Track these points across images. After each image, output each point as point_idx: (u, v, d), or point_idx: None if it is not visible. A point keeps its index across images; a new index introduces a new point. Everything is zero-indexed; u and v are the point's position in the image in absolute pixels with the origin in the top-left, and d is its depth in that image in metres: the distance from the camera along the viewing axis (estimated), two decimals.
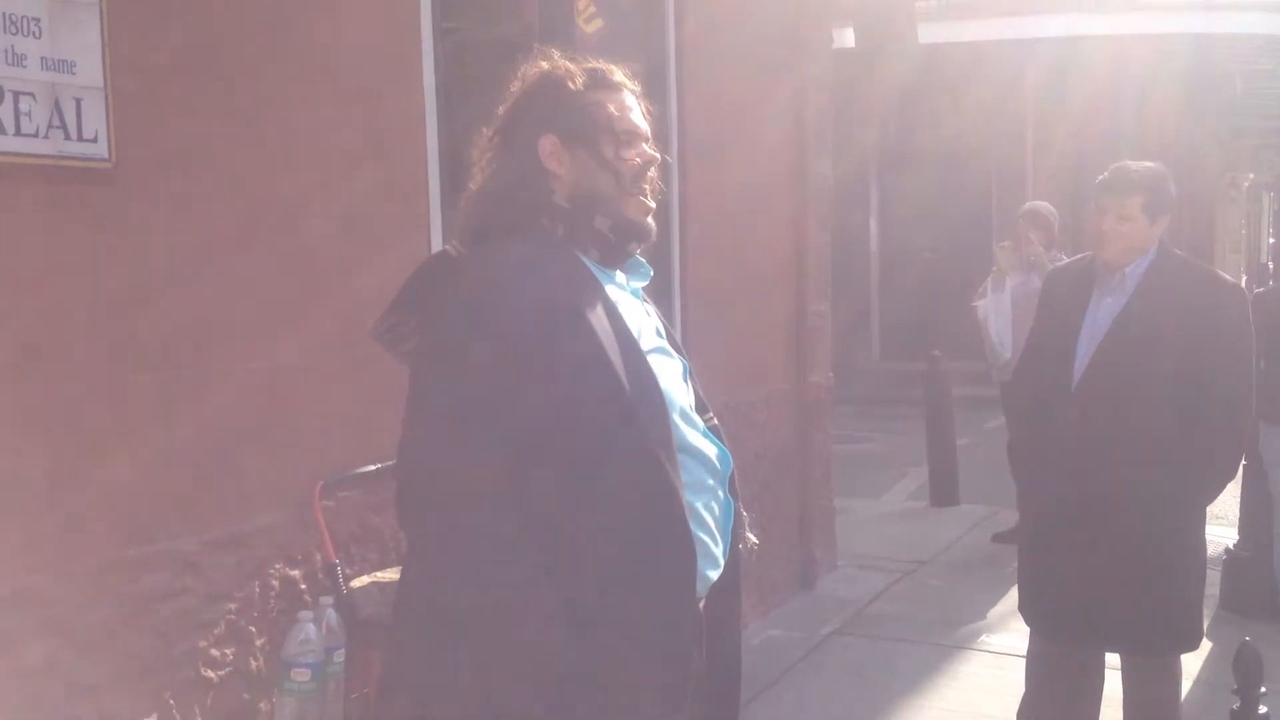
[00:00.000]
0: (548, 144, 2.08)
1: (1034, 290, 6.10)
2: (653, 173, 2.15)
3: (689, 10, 5.39)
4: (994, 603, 6.06)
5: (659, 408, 1.99)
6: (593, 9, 4.95)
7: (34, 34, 2.75)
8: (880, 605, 6.20)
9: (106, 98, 2.91)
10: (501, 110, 2.17)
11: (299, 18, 3.47)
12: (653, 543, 1.94)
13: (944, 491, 8.41)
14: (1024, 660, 3.98)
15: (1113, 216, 3.65)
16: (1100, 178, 3.75)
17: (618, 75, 2.16)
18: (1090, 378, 3.61)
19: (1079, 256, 4.06)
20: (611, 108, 2.11)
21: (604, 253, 2.11)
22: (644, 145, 2.13)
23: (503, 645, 1.87)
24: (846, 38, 8.81)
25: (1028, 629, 3.92)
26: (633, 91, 2.17)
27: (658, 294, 5.21)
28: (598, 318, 1.98)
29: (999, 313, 6.93)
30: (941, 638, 5.62)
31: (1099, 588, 3.58)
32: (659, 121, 5.52)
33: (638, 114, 2.15)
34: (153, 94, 3.05)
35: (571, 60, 2.15)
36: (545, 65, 2.15)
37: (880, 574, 6.71)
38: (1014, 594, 4.04)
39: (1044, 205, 7.25)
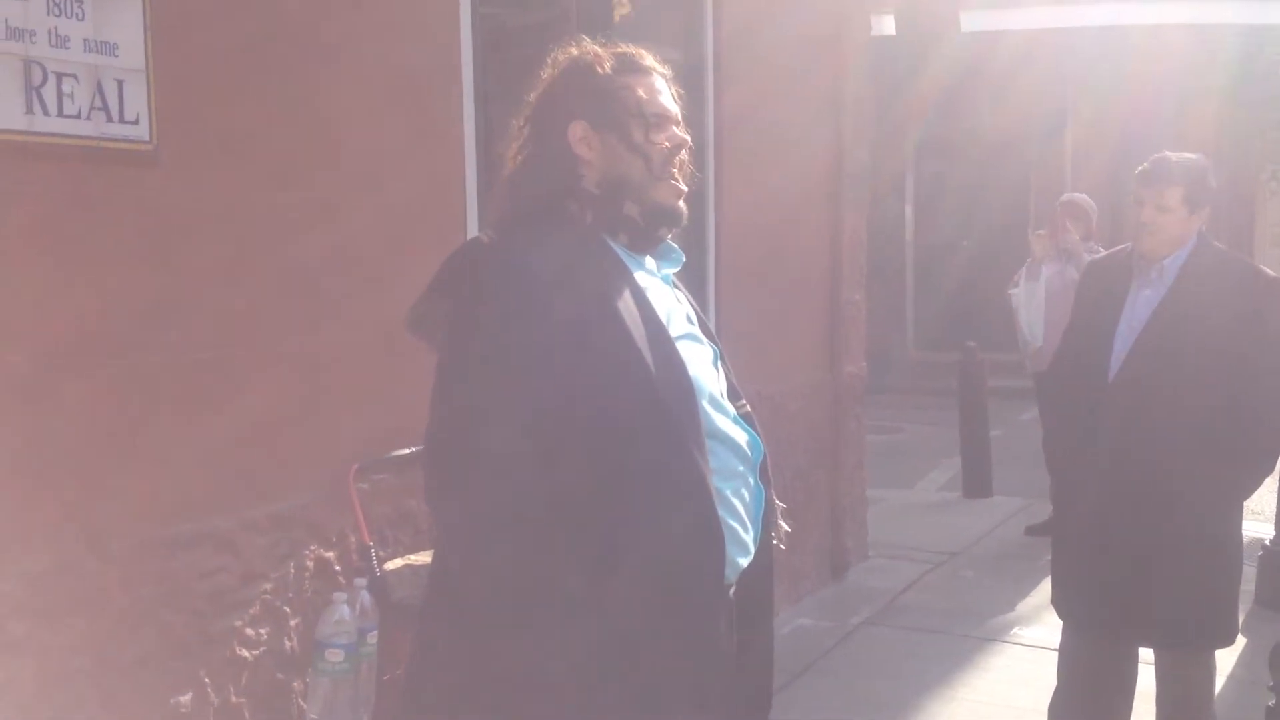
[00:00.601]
0: (577, 129, 2.08)
1: (1070, 280, 6.07)
2: (684, 156, 2.13)
3: None
4: (1026, 595, 6.04)
5: (687, 394, 1.98)
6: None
7: (77, 16, 2.77)
8: (911, 596, 6.19)
9: (148, 80, 2.93)
10: (532, 97, 2.17)
11: (340, 3, 3.49)
12: (680, 528, 1.94)
13: (977, 483, 8.38)
14: (1056, 653, 3.97)
15: (1151, 207, 3.62)
16: (1140, 168, 3.72)
17: (648, 59, 2.15)
18: (1128, 370, 3.59)
19: (1118, 248, 4.03)
20: (641, 91, 2.10)
21: (633, 238, 2.11)
22: (674, 128, 2.12)
23: (529, 632, 1.87)
24: (886, 25, 8.76)
25: (1060, 622, 3.90)
26: (663, 75, 2.16)
27: (692, 282, 5.23)
28: (625, 304, 1.97)
29: (1031, 302, 6.89)
30: (972, 629, 5.60)
31: (1133, 581, 3.55)
32: (696, 109, 5.53)
33: (668, 97, 2.14)
34: (194, 77, 3.07)
35: (601, 45, 2.15)
36: (575, 51, 2.15)
37: (912, 565, 6.70)
38: (1047, 586, 4.03)
39: (1082, 197, 7.21)
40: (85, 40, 2.80)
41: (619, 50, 2.14)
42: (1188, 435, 3.50)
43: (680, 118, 2.14)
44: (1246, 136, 14.32)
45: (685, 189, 2.15)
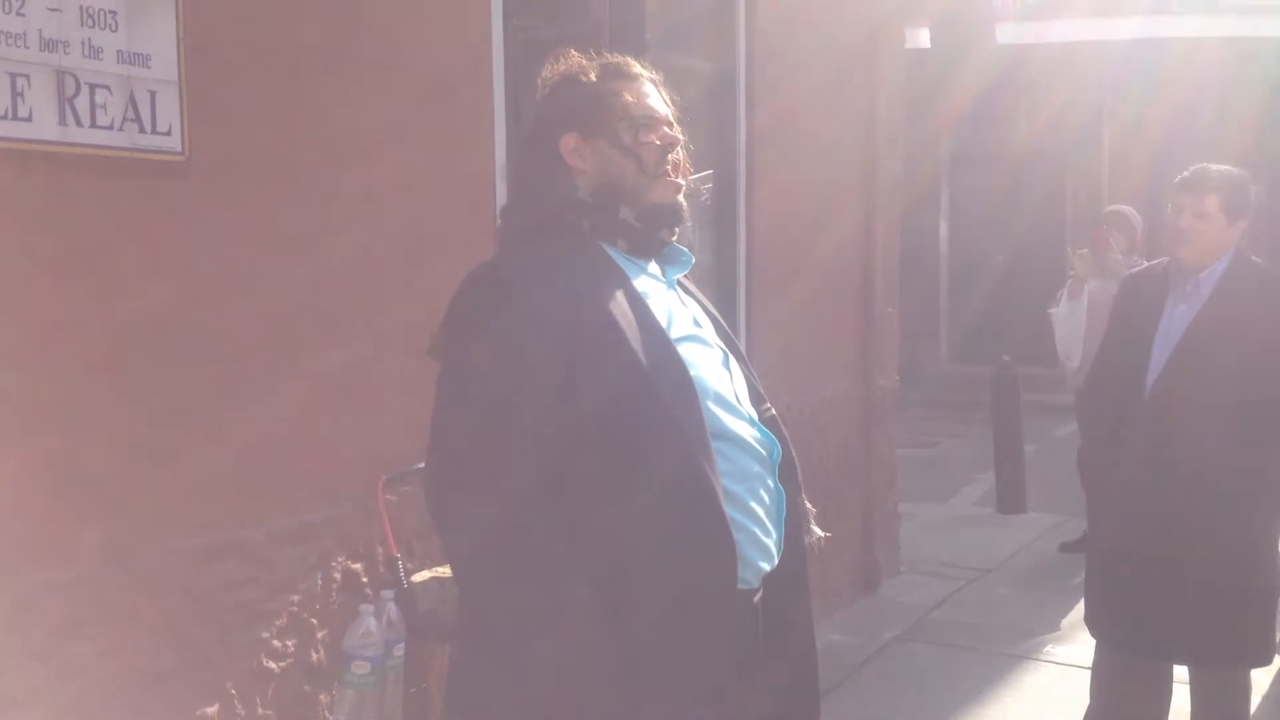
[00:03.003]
0: (569, 141, 2.10)
1: (1112, 296, 6.00)
2: (678, 155, 2.14)
3: (761, 9, 5.36)
4: (1060, 613, 5.96)
5: (688, 394, 1.97)
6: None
7: (110, 27, 2.79)
8: (944, 612, 6.13)
9: (181, 91, 2.94)
10: (528, 117, 2.20)
11: (372, 15, 3.49)
12: (683, 527, 1.93)
13: (1011, 498, 8.30)
14: (1090, 672, 3.92)
15: (1190, 213, 3.58)
16: (1180, 176, 3.69)
17: (635, 67, 2.18)
18: (1163, 386, 3.55)
19: (1155, 262, 3.99)
20: (628, 96, 2.12)
21: (633, 243, 2.12)
22: (664, 128, 2.13)
23: (541, 645, 1.87)
24: (922, 38, 8.72)
25: (1094, 640, 3.85)
26: (652, 80, 2.18)
27: (723, 294, 5.22)
28: (619, 308, 1.98)
29: (1069, 322, 6.81)
30: (1006, 647, 5.54)
31: (1168, 599, 3.51)
32: (729, 120, 5.51)
33: (656, 99, 2.15)
34: (227, 88, 3.08)
35: (588, 58, 2.17)
36: (562, 65, 2.18)
37: (944, 580, 6.64)
38: (1081, 604, 3.98)
39: (1128, 209, 7.14)
40: (119, 51, 2.81)
41: (606, 60, 2.17)
42: (1224, 451, 3.46)
43: (672, 119, 2.16)
44: None
45: (683, 185, 2.15)
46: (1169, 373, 3.54)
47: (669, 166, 2.13)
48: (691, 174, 2.21)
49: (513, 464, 1.90)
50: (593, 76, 2.13)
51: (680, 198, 2.15)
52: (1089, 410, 4.06)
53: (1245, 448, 3.45)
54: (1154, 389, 3.56)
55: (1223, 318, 3.52)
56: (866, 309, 6.44)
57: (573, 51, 2.19)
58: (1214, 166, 3.66)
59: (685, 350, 2.03)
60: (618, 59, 2.18)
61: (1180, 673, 3.75)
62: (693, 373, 2.00)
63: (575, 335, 1.93)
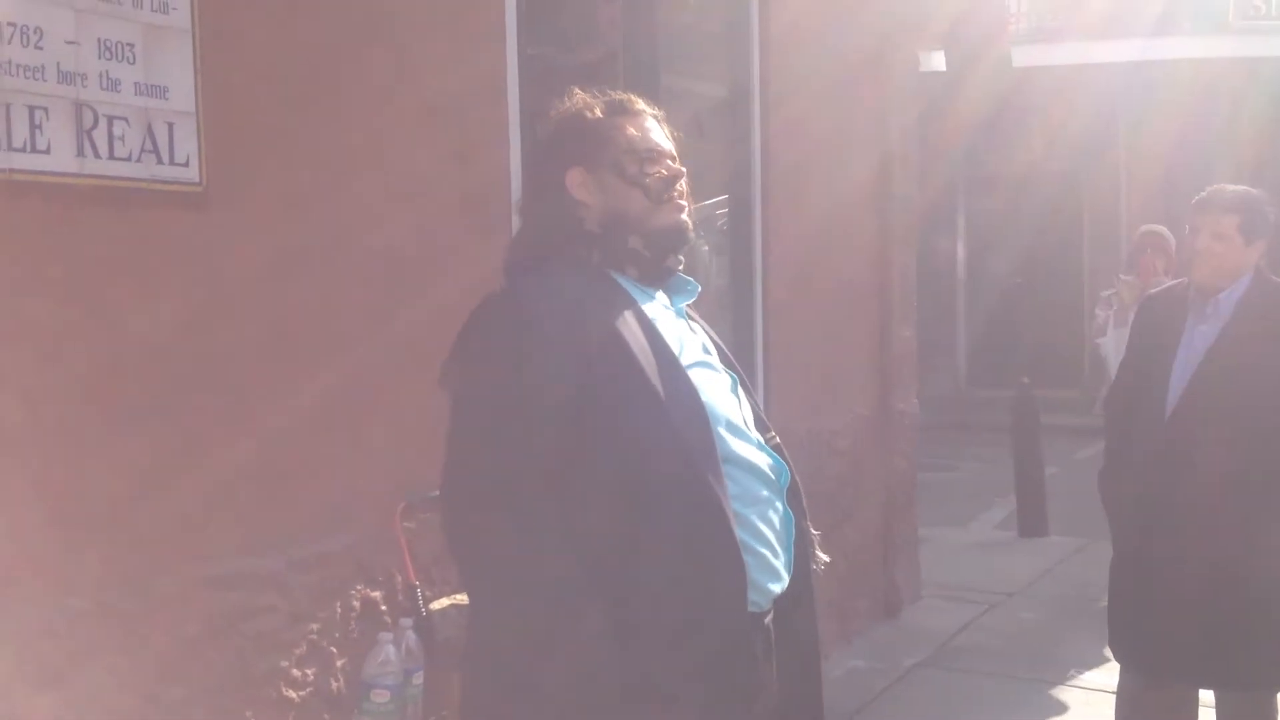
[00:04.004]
0: (575, 175, 2.14)
1: None
2: (682, 185, 2.18)
3: (773, 33, 5.38)
4: (1085, 637, 5.89)
5: (700, 419, 2.00)
6: None
7: (128, 59, 2.81)
8: (966, 637, 6.08)
9: (198, 122, 2.96)
10: (534, 153, 2.25)
11: (387, 44, 3.51)
12: (694, 549, 1.94)
13: (1032, 522, 8.24)
14: (1115, 697, 3.88)
15: (1208, 234, 3.57)
16: (1197, 197, 3.68)
17: (639, 104, 2.23)
18: (1184, 408, 3.53)
19: (1174, 282, 3.98)
20: (632, 130, 2.17)
21: (642, 270, 2.16)
22: (668, 161, 2.17)
23: (553, 667, 1.88)
24: (936, 61, 8.73)
25: (1119, 664, 3.82)
26: (655, 116, 2.23)
27: (740, 320, 5.21)
28: (632, 335, 2.00)
29: (1120, 350, 6.69)
30: (1029, 672, 5.50)
31: (1191, 622, 3.48)
32: (743, 145, 5.50)
33: (659, 134, 2.20)
34: (243, 118, 3.10)
35: (593, 95, 2.22)
36: (567, 104, 2.22)
37: (966, 605, 6.59)
38: (1104, 628, 3.94)
39: (1162, 229, 7.03)
40: (136, 83, 2.83)
41: (610, 97, 2.21)
42: (1245, 472, 3.44)
43: (675, 154, 2.20)
44: None
45: (686, 206, 2.18)
46: (1190, 393, 3.52)
47: (674, 193, 2.16)
48: (701, 203, 2.23)
49: (525, 488, 1.92)
50: (597, 113, 2.18)
51: (684, 217, 2.18)
52: (1109, 428, 4.03)
53: (1266, 468, 3.43)
54: (1175, 409, 3.54)
55: (1244, 338, 3.50)
56: (884, 332, 6.43)
57: (577, 90, 2.23)
58: (1231, 187, 3.65)
59: (696, 376, 2.05)
60: (621, 96, 2.23)
61: (1206, 696, 3.71)
62: (703, 398, 2.03)
63: (586, 359, 1.95)
